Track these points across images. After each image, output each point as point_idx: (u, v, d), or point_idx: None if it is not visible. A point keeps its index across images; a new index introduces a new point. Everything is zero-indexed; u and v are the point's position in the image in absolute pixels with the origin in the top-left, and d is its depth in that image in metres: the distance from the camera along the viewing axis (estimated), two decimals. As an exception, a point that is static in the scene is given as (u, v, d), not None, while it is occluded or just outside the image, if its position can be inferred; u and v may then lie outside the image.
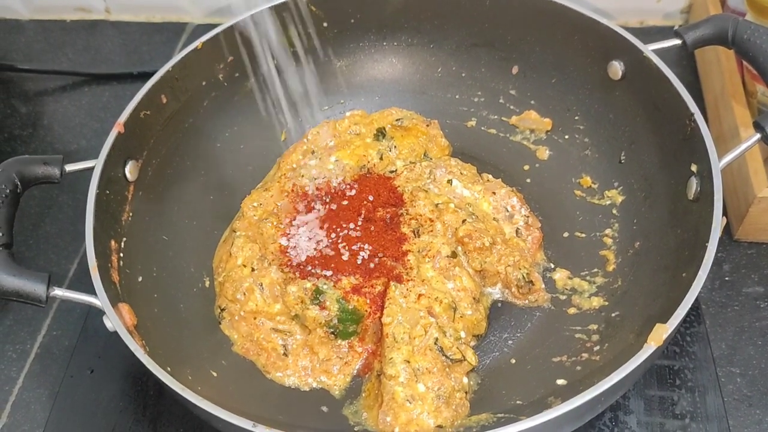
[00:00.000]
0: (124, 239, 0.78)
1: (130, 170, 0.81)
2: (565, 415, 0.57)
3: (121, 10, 1.26)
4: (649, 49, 0.80)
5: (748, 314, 0.83)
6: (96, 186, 0.74)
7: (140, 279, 0.78)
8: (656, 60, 0.79)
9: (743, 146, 0.70)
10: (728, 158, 0.70)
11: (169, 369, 0.65)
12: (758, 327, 0.82)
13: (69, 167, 0.75)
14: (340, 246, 0.81)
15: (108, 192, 0.76)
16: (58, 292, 0.67)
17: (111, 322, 0.65)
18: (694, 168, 0.73)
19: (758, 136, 0.70)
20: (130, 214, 0.80)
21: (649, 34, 1.15)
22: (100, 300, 0.66)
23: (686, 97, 0.75)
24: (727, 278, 0.86)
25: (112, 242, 0.76)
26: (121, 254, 0.76)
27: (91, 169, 0.76)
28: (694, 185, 0.73)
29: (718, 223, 0.66)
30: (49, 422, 0.79)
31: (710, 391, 0.76)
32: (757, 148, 0.85)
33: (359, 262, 0.79)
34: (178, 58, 0.85)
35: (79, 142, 1.09)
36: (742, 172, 0.85)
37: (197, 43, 0.87)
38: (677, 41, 0.79)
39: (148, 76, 0.85)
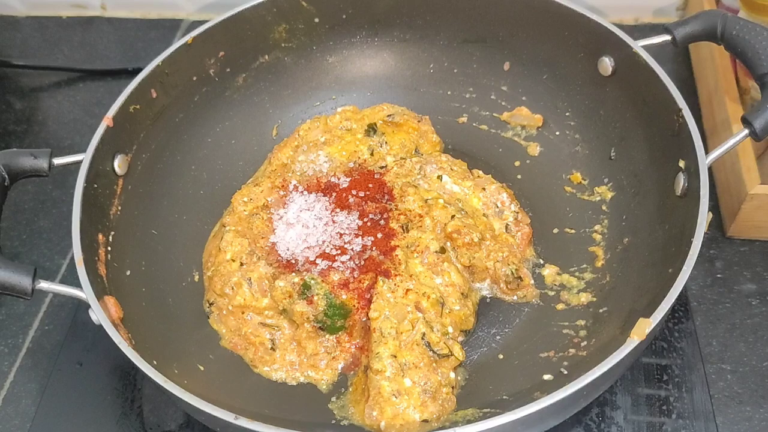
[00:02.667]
0: (113, 233, 0.78)
1: (119, 164, 0.81)
2: (548, 408, 0.57)
3: (116, 6, 1.26)
4: (638, 45, 0.79)
5: (739, 311, 0.83)
6: (84, 179, 0.74)
7: (128, 273, 0.78)
8: (645, 56, 0.78)
9: (730, 142, 0.70)
10: (715, 154, 0.69)
11: (155, 363, 0.66)
12: (750, 324, 0.82)
13: (57, 160, 0.75)
14: (328, 241, 0.81)
15: (96, 186, 0.76)
16: (44, 284, 0.67)
17: (96, 315, 0.65)
18: (681, 164, 0.73)
19: (746, 131, 0.70)
20: (119, 207, 0.80)
21: (644, 30, 1.14)
22: (85, 293, 0.66)
23: (675, 93, 0.74)
24: (719, 275, 0.86)
25: (100, 236, 0.76)
26: (109, 248, 0.76)
27: (80, 162, 0.76)
28: (681, 181, 0.73)
29: (703, 219, 0.66)
30: (38, 416, 0.79)
31: (698, 387, 0.76)
32: (750, 145, 0.84)
33: (348, 257, 0.79)
34: (168, 52, 0.85)
35: (73, 137, 1.09)
36: (734, 169, 0.85)
37: (187, 38, 0.87)
38: (667, 37, 0.78)
39: (143, 72, 0.85)
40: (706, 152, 0.70)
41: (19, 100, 1.16)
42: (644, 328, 0.59)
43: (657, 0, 1.13)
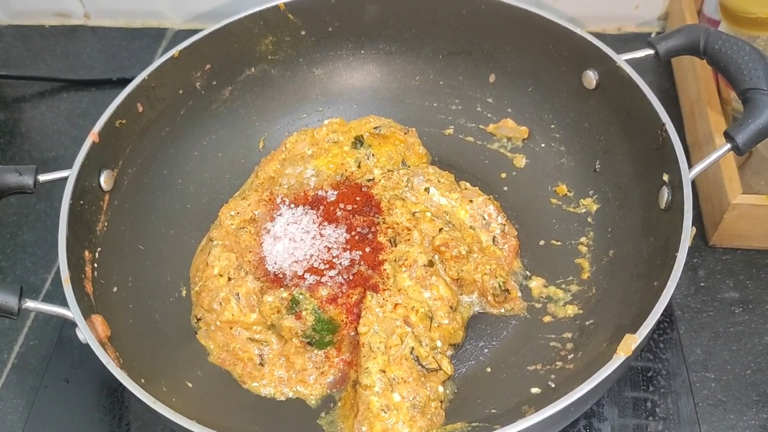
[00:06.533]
0: (99, 249, 0.77)
1: (105, 180, 0.80)
2: (538, 424, 0.58)
3: (100, 15, 1.25)
4: (622, 59, 0.80)
5: (722, 320, 0.84)
6: (69, 196, 0.73)
7: (115, 289, 0.77)
8: (629, 70, 0.79)
9: (713, 156, 0.70)
10: (698, 168, 0.70)
11: (143, 381, 0.66)
12: (733, 332, 0.83)
13: (42, 177, 0.75)
14: (316, 255, 0.81)
15: (82, 202, 0.76)
16: (31, 304, 0.66)
17: (83, 334, 0.64)
18: (665, 177, 0.74)
19: (728, 146, 0.70)
20: (106, 223, 0.80)
21: (627, 40, 1.16)
22: (72, 312, 0.65)
23: (658, 107, 0.75)
24: (702, 284, 0.87)
25: (86, 252, 0.75)
26: (96, 265, 0.76)
27: (65, 179, 0.75)
28: (665, 195, 0.73)
29: (687, 232, 0.66)
30: (24, 433, 0.79)
31: (683, 396, 0.77)
32: (731, 155, 0.85)
33: (336, 271, 0.79)
34: (154, 66, 0.85)
35: (57, 149, 1.08)
36: (716, 179, 0.86)
37: (174, 52, 0.87)
38: (650, 51, 0.79)
39: (127, 82, 0.85)
40: (690, 165, 0.71)
41: (1, 111, 1.14)
42: (630, 344, 0.60)
43: (639, 10, 1.14)
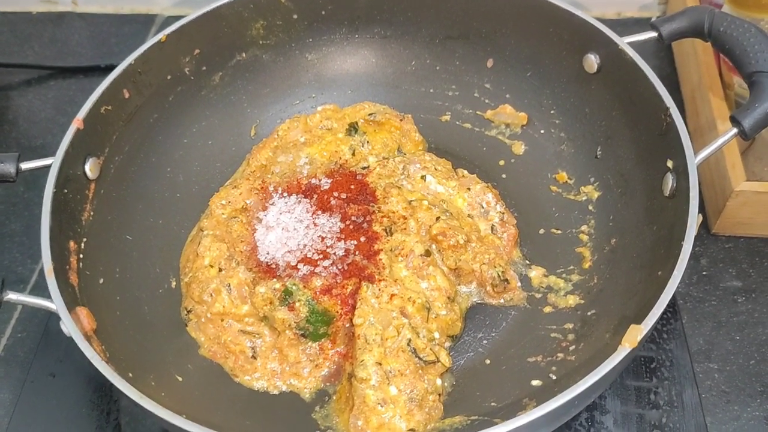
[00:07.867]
0: (85, 240, 0.75)
1: (90, 168, 0.78)
2: (540, 419, 0.56)
3: (88, 1, 1.23)
4: (624, 42, 0.78)
5: (725, 309, 0.82)
6: (53, 185, 0.71)
7: (102, 281, 0.76)
8: (632, 53, 0.77)
9: (720, 141, 0.69)
10: (704, 154, 0.68)
11: (130, 375, 0.64)
12: (736, 322, 0.81)
13: (25, 165, 0.73)
14: (310, 245, 0.79)
15: (66, 191, 0.74)
16: (13, 296, 0.65)
17: (67, 327, 0.62)
18: (669, 164, 0.72)
19: (735, 131, 0.69)
20: (91, 213, 0.78)
21: (627, 25, 1.14)
22: (56, 305, 0.64)
23: (662, 92, 0.74)
24: (704, 273, 0.85)
25: (71, 243, 0.73)
26: (81, 255, 0.74)
27: (49, 166, 0.73)
28: (669, 181, 0.72)
29: (693, 220, 0.65)
30: (10, 429, 0.77)
31: (687, 389, 0.76)
32: (735, 141, 0.84)
33: (330, 261, 0.77)
34: (141, 51, 0.83)
35: (44, 137, 1.06)
36: (719, 165, 0.84)
37: (161, 36, 0.85)
38: (653, 34, 0.78)
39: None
40: (694, 152, 0.69)
41: (-13, 98, 1.12)
42: (636, 335, 0.58)
43: (639, -7, 1.13)
